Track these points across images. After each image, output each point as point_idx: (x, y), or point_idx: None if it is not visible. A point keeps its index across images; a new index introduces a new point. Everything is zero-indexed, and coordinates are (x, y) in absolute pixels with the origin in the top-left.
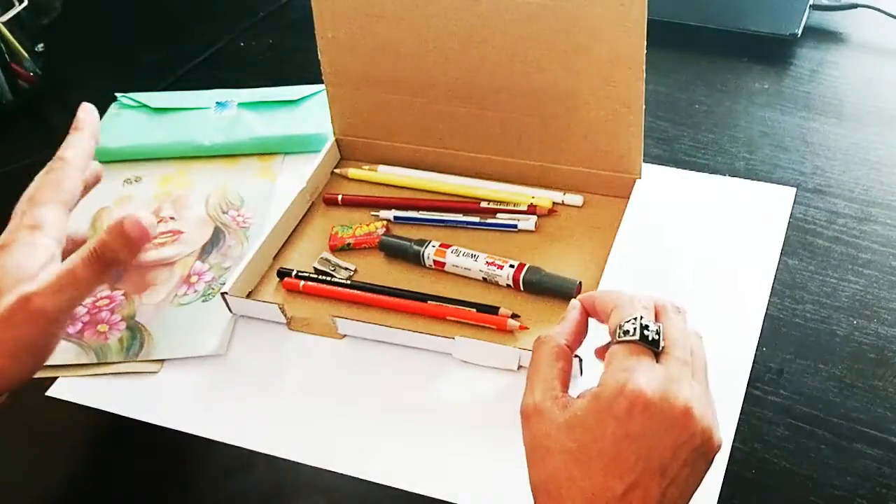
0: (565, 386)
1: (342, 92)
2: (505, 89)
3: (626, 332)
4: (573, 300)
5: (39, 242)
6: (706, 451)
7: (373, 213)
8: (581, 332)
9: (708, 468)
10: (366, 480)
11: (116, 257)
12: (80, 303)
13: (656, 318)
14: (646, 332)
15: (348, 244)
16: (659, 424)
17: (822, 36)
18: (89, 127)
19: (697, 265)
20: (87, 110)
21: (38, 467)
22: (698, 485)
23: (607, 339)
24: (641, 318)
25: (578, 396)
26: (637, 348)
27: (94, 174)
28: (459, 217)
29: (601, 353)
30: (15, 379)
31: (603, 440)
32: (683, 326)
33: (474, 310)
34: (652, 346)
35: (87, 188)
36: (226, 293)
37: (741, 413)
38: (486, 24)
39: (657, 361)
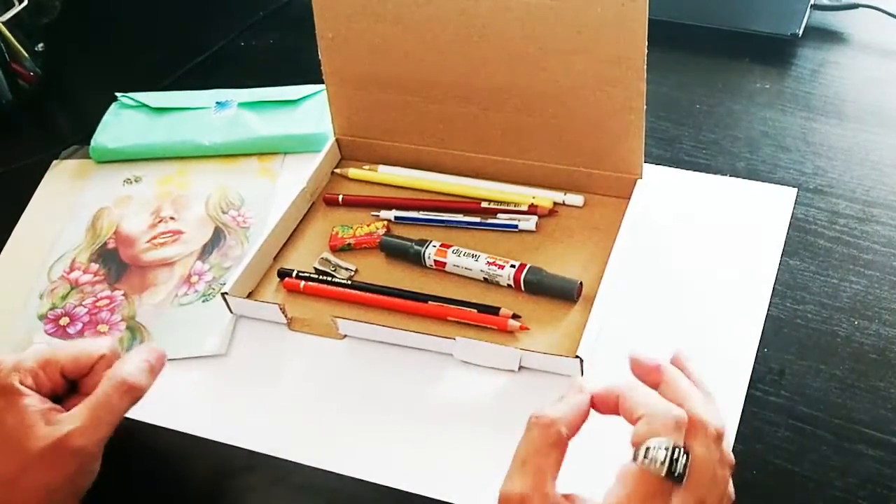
0: (555, 479)
1: (342, 92)
2: (505, 89)
3: (654, 461)
4: (579, 382)
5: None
6: None
7: (373, 213)
8: (582, 421)
9: None
10: (366, 480)
11: (143, 388)
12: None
13: (687, 436)
14: (675, 464)
15: (349, 244)
16: None
17: (824, 36)
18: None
19: (698, 265)
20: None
21: None
22: None
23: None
24: (674, 446)
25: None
26: (658, 481)
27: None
28: (460, 217)
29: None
30: None
31: None
32: (713, 457)
33: (475, 310)
34: (675, 480)
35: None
36: (226, 293)
37: (742, 414)
38: (486, 24)
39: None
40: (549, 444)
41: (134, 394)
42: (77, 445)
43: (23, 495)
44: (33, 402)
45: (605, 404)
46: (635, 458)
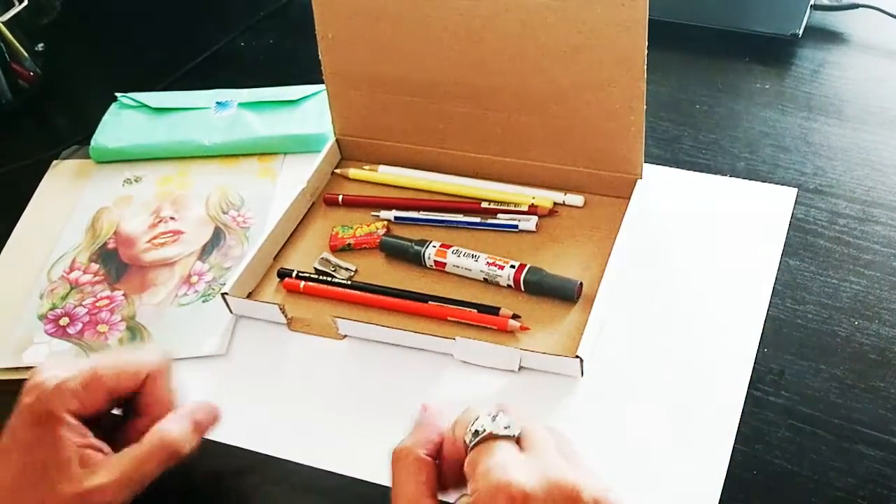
0: (434, 498)
1: (342, 92)
2: (505, 89)
3: (478, 433)
4: (422, 407)
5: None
6: None
7: (373, 213)
8: (437, 435)
9: None
10: (366, 481)
11: (183, 449)
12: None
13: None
14: (497, 423)
15: (349, 244)
16: None
17: (824, 36)
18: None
19: (698, 265)
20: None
21: None
22: None
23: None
24: (489, 413)
25: None
26: (495, 443)
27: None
28: (460, 217)
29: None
30: None
31: None
32: (525, 416)
33: (475, 310)
34: (507, 433)
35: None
36: (226, 293)
37: (742, 414)
38: (486, 24)
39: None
40: (415, 470)
41: (173, 458)
42: (102, 502)
43: None
44: (73, 435)
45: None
46: (469, 450)
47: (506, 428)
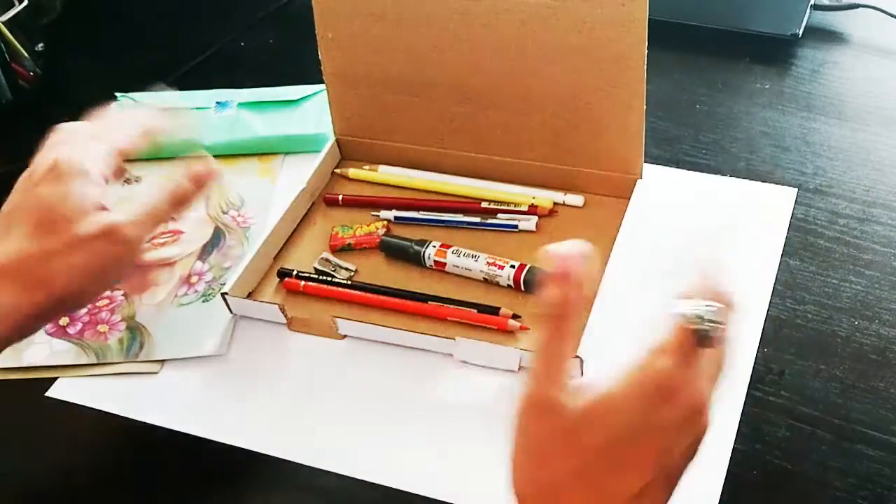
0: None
1: (342, 92)
2: (505, 89)
3: (699, 320)
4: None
5: (94, 176)
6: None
7: (373, 213)
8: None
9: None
10: (366, 481)
11: (189, 197)
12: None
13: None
14: (710, 327)
15: (349, 244)
16: (683, 419)
17: (824, 36)
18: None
19: (698, 265)
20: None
21: (38, 467)
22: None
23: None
24: (713, 309)
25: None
26: (694, 339)
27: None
28: (460, 217)
29: None
30: (82, 301)
31: (631, 425)
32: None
33: (475, 310)
34: (706, 341)
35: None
36: (226, 293)
37: (742, 414)
38: (486, 25)
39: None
40: (571, 331)
41: (183, 205)
42: (125, 234)
43: (60, 272)
44: (94, 190)
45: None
46: (682, 320)
47: (709, 339)
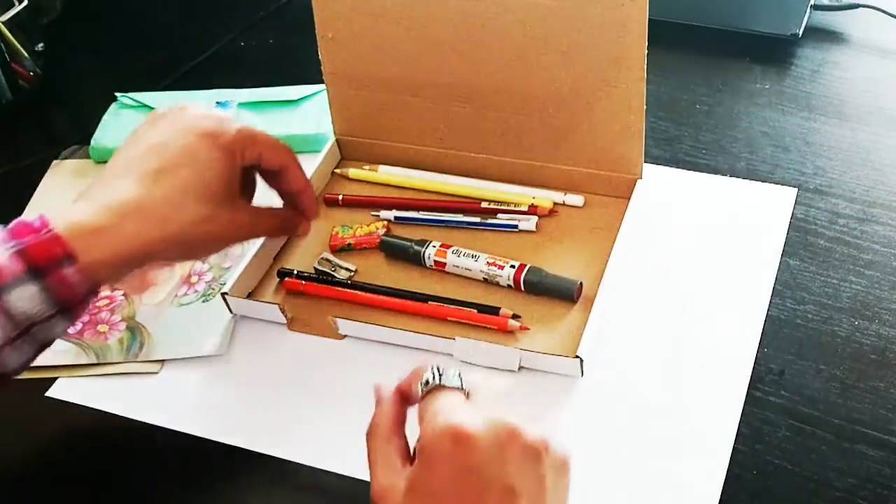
0: (405, 460)
1: (342, 92)
2: (505, 89)
3: (427, 382)
4: (375, 384)
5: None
6: (558, 463)
7: (373, 213)
8: (401, 406)
9: (567, 477)
10: (366, 481)
11: (282, 229)
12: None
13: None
14: (445, 376)
15: (349, 244)
16: (490, 448)
17: (824, 36)
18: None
19: (698, 265)
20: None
21: (38, 467)
22: (566, 495)
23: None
24: (437, 366)
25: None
26: (441, 392)
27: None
28: (460, 217)
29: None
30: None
31: (443, 485)
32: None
33: (475, 310)
34: (454, 384)
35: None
36: (226, 294)
37: (742, 414)
38: (486, 24)
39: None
40: (385, 439)
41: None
42: (237, 222)
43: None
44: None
45: (404, 398)
46: (420, 399)
47: (453, 378)
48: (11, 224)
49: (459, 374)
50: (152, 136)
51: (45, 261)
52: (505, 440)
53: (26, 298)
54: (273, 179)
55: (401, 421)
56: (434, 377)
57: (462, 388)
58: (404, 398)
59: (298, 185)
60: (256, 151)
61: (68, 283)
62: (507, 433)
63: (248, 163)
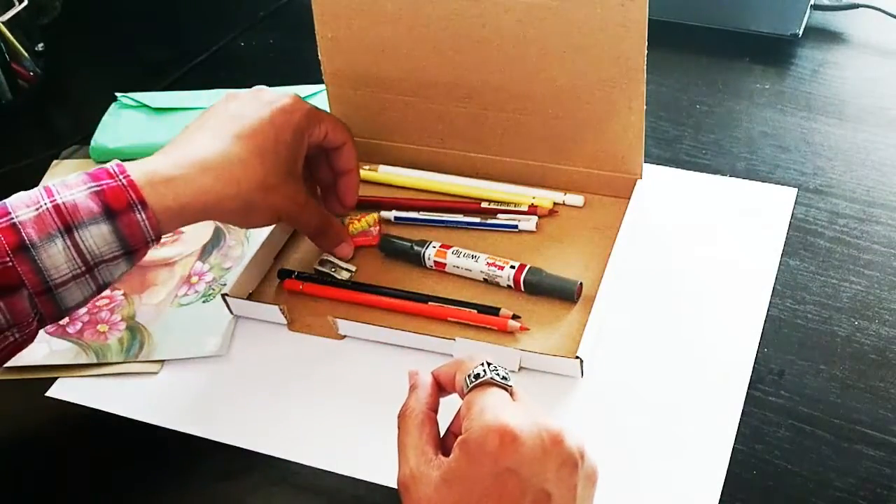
0: (437, 449)
1: (342, 92)
2: (505, 89)
3: (477, 377)
4: (410, 370)
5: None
6: (590, 473)
7: (373, 213)
8: (436, 394)
9: (594, 489)
10: (366, 481)
11: (321, 234)
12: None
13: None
14: (497, 372)
15: None
16: (534, 451)
17: (824, 36)
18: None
19: (698, 265)
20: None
21: (37, 467)
22: None
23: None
24: (488, 363)
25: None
26: (490, 388)
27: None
28: (460, 217)
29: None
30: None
31: (482, 482)
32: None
33: (475, 311)
34: (504, 383)
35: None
36: (226, 294)
37: (742, 414)
38: (486, 24)
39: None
40: (419, 424)
41: (322, 241)
42: (297, 201)
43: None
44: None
45: (438, 384)
46: (465, 391)
47: (503, 378)
48: (92, 169)
49: (506, 373)
50: (231, 108)
51: (119, 203)
52: (549, 446)
53: (98, 237)
54: (328, 159)
55: (435, 408)
56: (485, 372)
57: (510, 387)
58: (441, 387)
59: (352, 163)
60: (323, 129)
61: (137, 228)
62: (552, 439)
63: (314, 140)
